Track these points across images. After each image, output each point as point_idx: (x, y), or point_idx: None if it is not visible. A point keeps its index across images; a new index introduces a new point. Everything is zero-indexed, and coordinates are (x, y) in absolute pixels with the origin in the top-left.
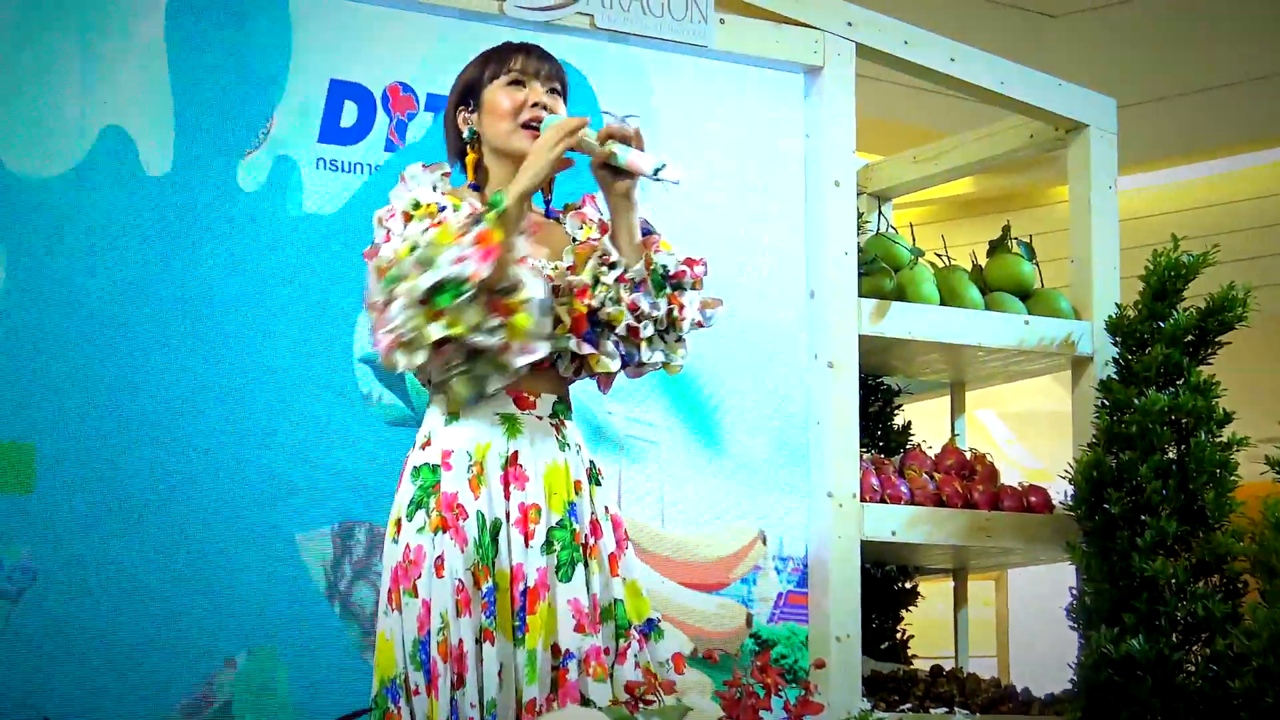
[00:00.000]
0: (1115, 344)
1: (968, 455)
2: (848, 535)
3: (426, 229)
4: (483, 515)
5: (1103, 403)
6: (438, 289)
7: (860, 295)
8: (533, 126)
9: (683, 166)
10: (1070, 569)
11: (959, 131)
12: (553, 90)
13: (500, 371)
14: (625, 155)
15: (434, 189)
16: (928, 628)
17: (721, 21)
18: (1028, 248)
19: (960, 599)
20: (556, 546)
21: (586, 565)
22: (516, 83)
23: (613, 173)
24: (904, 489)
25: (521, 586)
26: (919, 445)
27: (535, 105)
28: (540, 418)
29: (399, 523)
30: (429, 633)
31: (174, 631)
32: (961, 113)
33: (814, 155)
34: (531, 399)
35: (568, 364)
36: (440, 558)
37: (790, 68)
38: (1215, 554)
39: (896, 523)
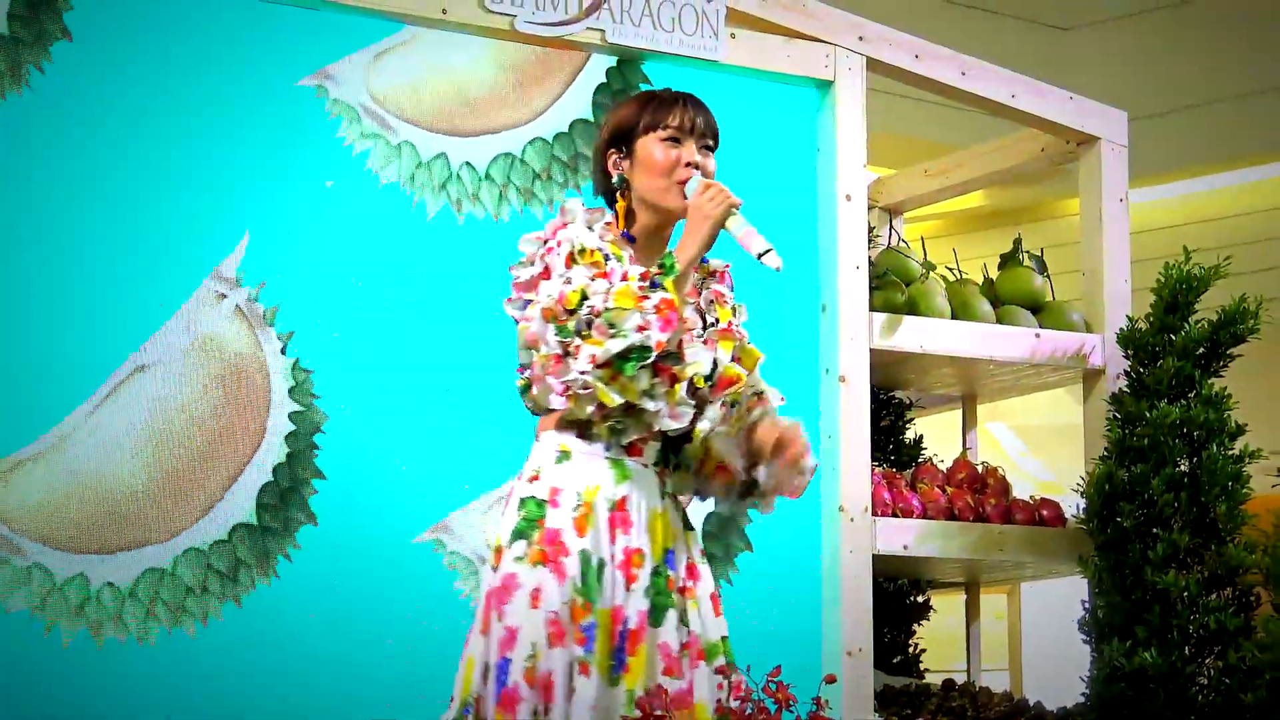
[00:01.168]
0: (1127, 357)
1: (979, 469)
2: (860, 549)
3: (594, 278)
4: (586, 554)
5: (1114, 415)
6: (623, 355)
7: (872, 309)
8: (683, 184)
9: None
10: (1083, 582)
11: (970, 145)
12: (705, 147)
13: (642, 429)
14: (740, 228)
15: (591, 231)
16: (940, 641)
17: (732, 36)
18: (1039, 261)
19: (972, 612)
20: (652, 592)
21: (682, 610)
22: (673, 139)
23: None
24: (916, 502)
25: (622, 628)
26: (931, 459)
27: (688, 165)
28: (646, 465)
29: (499, 550)
30: (508, 659)
31: None
32: (973, 126)
33: (825, 169)
34: (641, 447)
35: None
36: (537, 589)
37: (801, 82)
38: (1228, 567)
39: (908, 536)
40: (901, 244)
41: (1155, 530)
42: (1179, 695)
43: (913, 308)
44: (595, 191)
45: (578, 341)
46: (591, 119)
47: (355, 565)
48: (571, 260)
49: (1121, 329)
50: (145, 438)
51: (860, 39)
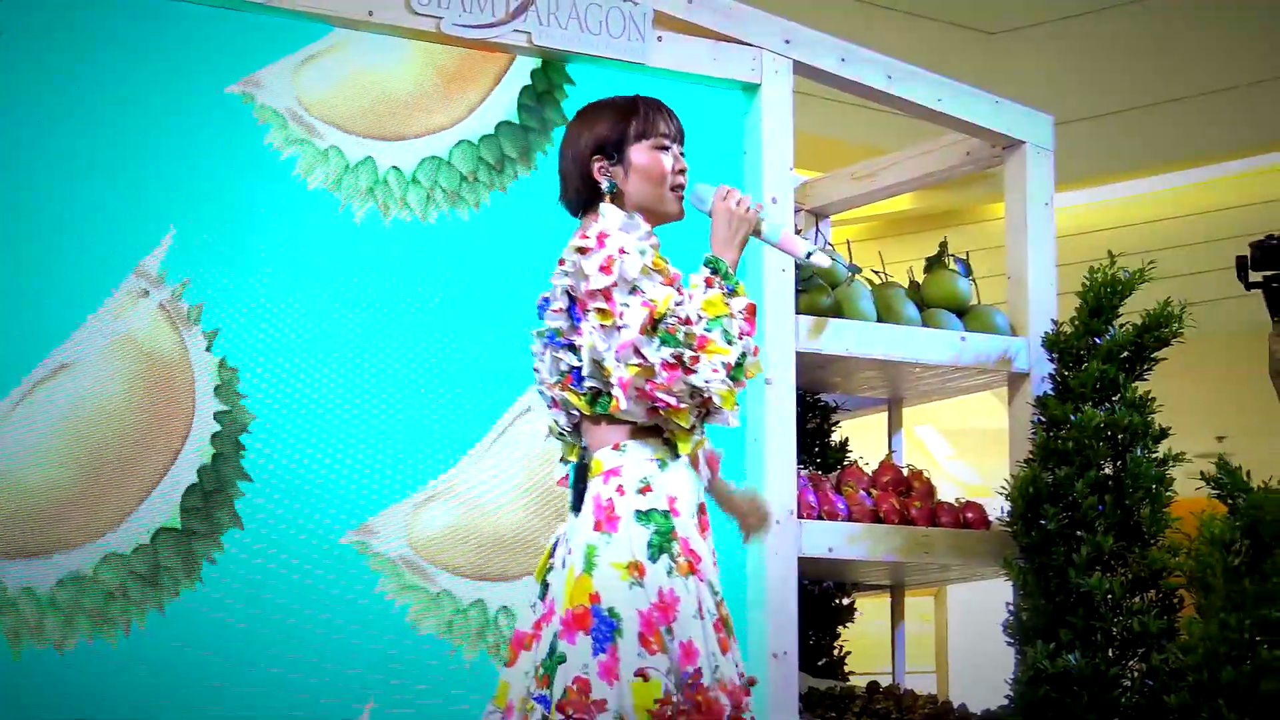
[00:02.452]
0: (1052, 360)
1: (905, 471)
2: (785, 552)
3: (662, 286)
4: (710, 558)
5: (1039, 419)
6: (739, 362)
7: (797, 312)
8: (679, 190)
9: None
10: (1008, 585)
11: (897, 149)
12: (682, 154)
13: (700, 434)
14: (778, 232)
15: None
16: (865, 644)
17: (659, 39)
18: (964, 264)
19: (897, 615)
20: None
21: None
22: (664, 147)
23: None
24: (841, 506)
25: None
26: (856, 462)
27: (680, 171)
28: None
29: (637, 566)
30: (691, 670)
31: None
32: (900, 130)
33: (752, 172)
34: (697, 456)
35: None
36: (699, 600)
37: (728, 85)
38: (1151, 569)
39: (833, 539)
40: (828, 247)
41: (1079, 533)
42: (1103, 698)
43: (838, 311)
44: (566, 196)
45: (691, 352)
46: (517, 121)
47: (280, 568)
48: (645, 269)
49: (1046, 333)
50: (65, 438)
51: (787, 42)
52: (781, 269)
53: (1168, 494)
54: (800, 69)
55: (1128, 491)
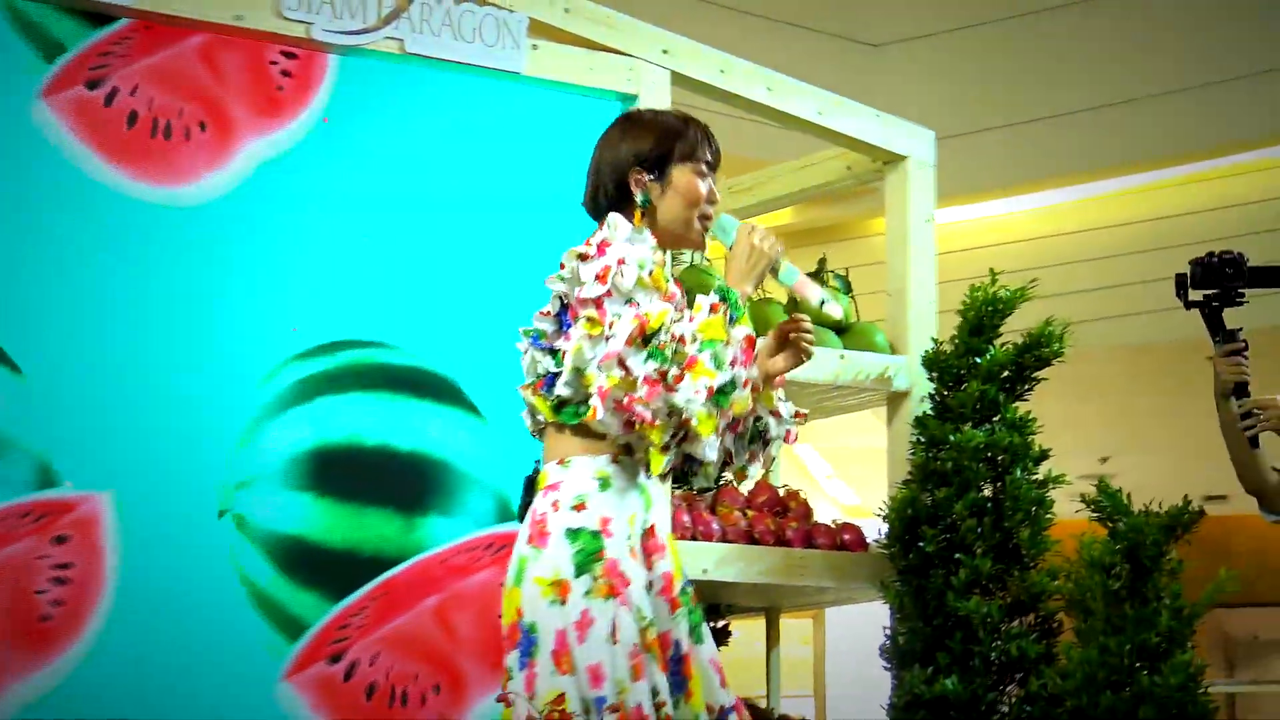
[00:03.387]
0: (931, 379)
1: (781, 492)
2: None
3: (661, 301)
4: (644, 583)
5: (918, 439)
6: (724, 389)
7: None
8: (706, 219)
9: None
10: (887, 608)
11: (777, 162)
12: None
13: (677, 458)
14: (794, 277)
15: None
16: (742, 666)
17: (534, 47)
18: (844, 281)
19: (773, 638)
20: (686, 611)
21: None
22: (703, 174)
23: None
24: (716, 526)
25: (674, 652)
26: (731, 481)
27: (713, 202)
28: (656, 481)
29: (562, 584)
30: (602, 697)
31: None
32: (780, 143)
33: None
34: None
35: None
36: (614, 624)
37: (604, 95)
38: (1030, 593)
39: (708, 560)
40: (705, 261)
41: (958, 556)
42: None
43: None
44: (591, 200)
45: (676, 370)
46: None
47: None
48: (641, 283)
49: (926, 351)
50: None
51: (665, 53)
52: None
53: (1048, 516)
54: (678, 80)
55: (1007, 514)
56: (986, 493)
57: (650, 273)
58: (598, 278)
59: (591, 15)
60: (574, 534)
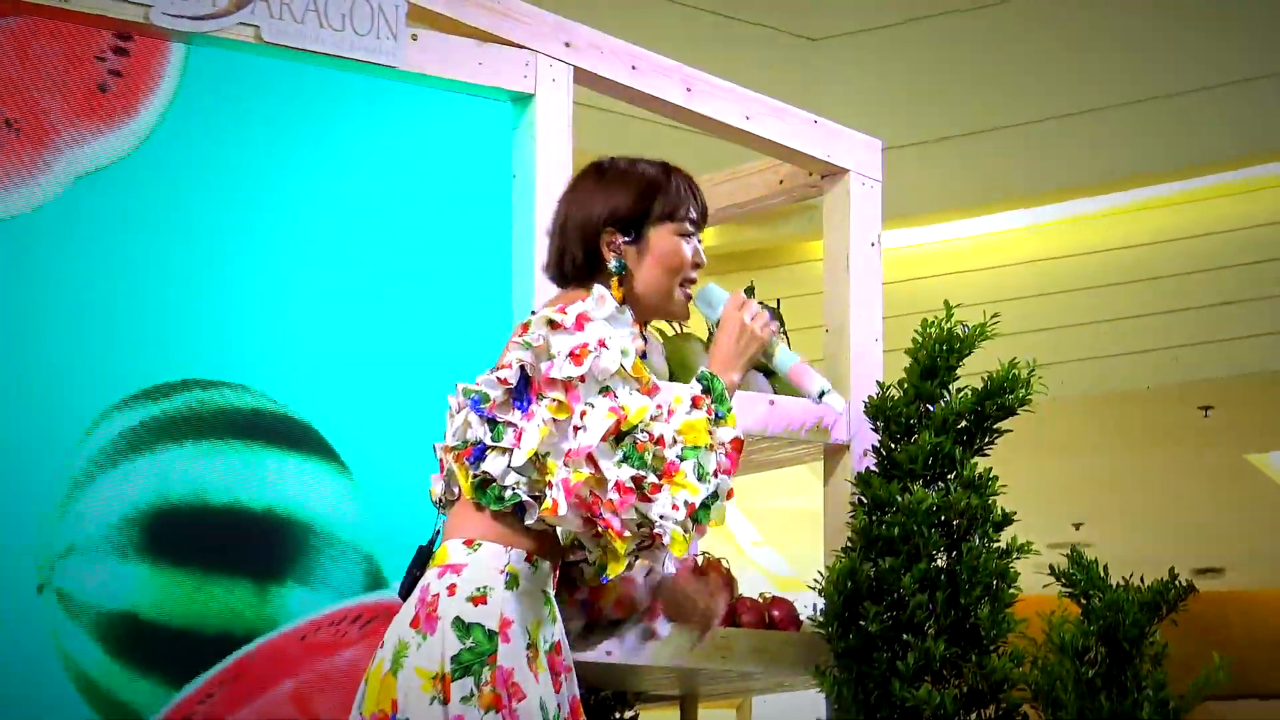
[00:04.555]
0: (876, 430)
1: (699, 560)
2: None
3: (640, 394)
4: (544, 705)
5: (860, 499)
6: (705, 504)
7: None
8: (688, 286)
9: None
10: (822, 697)
11: (697, 174)
12: (699, 245)
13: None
14: (791, 362)
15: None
16: None
17: (414, 38)
18: (774, 313)
19: None
20: None
21: None
22: (687, 234)
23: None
24: None
25: None
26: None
27: (697, 266)
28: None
29: (444, 679)
30: None
31: None
32: (701, 153)
33: (522, 199)
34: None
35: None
36: None
37: (495, 94)
38: (990, 681)
39: (612, 641)
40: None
41: (906, 636)
42: None
43: None
44: (555, 265)
45: (654, 479)
46: None
47: None
48: (622, 373)
49: (870, 397)
50: None
51: (567, 45)
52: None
53: (1011, 591)
54: (582, 77)
55: (964, 588)
56: (940, 563)
57: (632, 362)
58: (573, 356)
59: (481, 1)
60: (466, 629)
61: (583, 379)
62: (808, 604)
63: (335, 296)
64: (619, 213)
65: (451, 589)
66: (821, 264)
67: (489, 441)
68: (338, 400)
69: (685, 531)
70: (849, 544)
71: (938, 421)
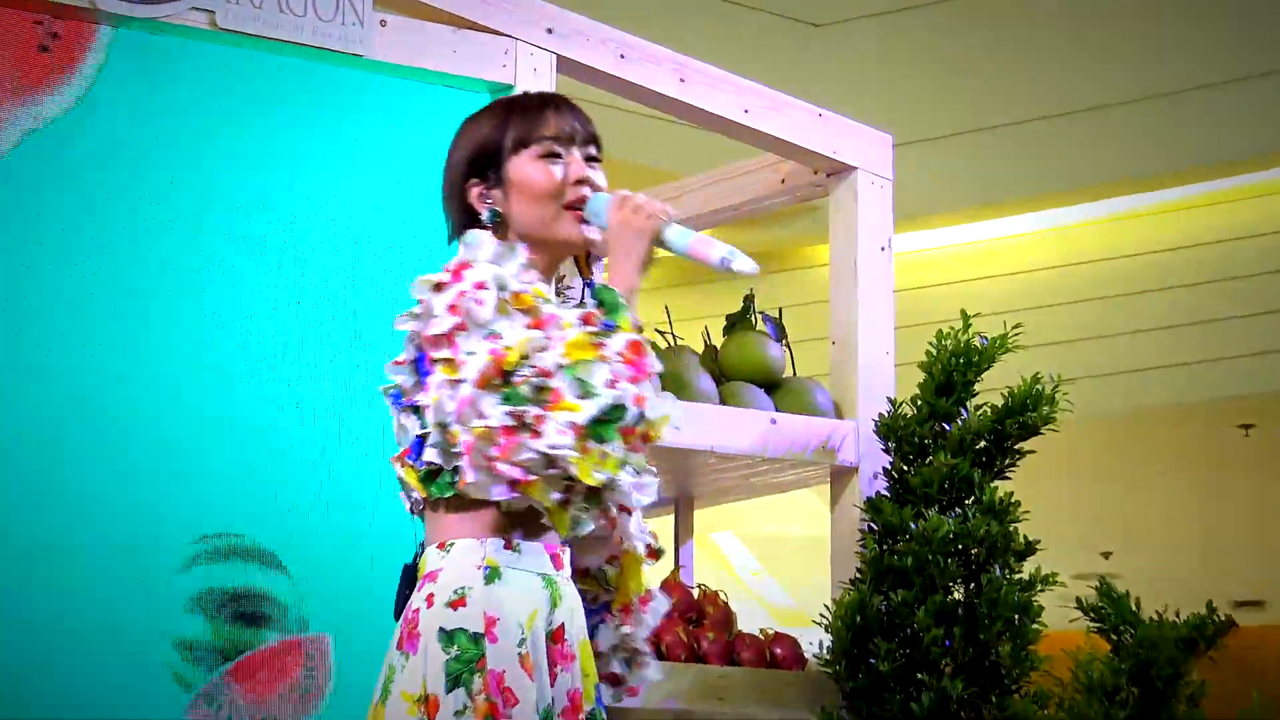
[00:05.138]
0: (887, 451)
1: (696, 593)
2: None
3: (529, 328)
4: (540, 706)
5: (870, 526)
6: (601, 420)
7: None
8: (578, 208)
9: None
10: None
11: (691, 172)
12: (591, 158)
13: (596, 515)
14: (686, 239)
15: (500, 267)
16: None
17: (383, 24)
18: (776, 325)
19: None
20: None
21: None
22: (552, 154)
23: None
24: None
25: None
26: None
27: (580, 182)
28: (570, 579)
29: (429, 701)
30: None
31: None
32: (695, 149)
33: None
34: (562, 556)
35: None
36: None
37: (472, 85)
38: None
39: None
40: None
41: (921, 676)
42: None
43: None
44: (453, 236)
45: (536, 410)
46: None
47: None
48: (500, 308)
49: (881, 415)
50: None
51: (549, 32)
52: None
53: (1034, 627)
54: (567, 67)
55: (983, 623)
56: (957, 596)
57: (514, 294)
58: (450, 308)
59: None
60: (449, 636)
61: (462, 328)
62: (813, 640)
63: (289, 302)
64: (474, 160)
65: (430, 599)
66: (827, 270)
67: (419, 430)
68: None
69: (585, 455)
70: (858, 575)
71: (954, 442)
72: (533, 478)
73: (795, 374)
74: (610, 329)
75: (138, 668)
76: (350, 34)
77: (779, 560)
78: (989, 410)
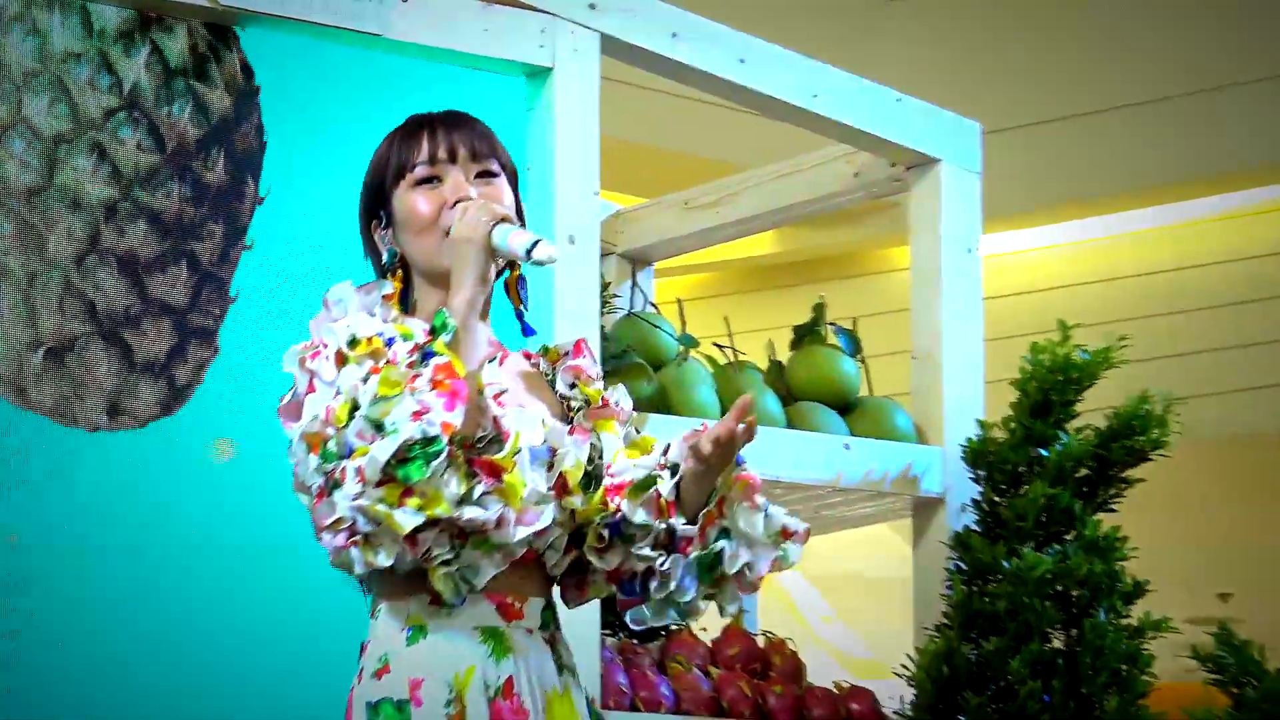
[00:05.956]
0: (976, 479)
1: (761, 641)
2: None
3: (368, 375)
4: None
5: (957, 565)
6: (402, 459)
7: None
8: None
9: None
10: None
11: (753, 166)
12: (484, 174)
13: (493, 556)
14: (504, 238)
15: (373, 315)
16: None
17: (405, 0)
18: (850, 337)
19: None
20: None
21: None
22: (429, 179)
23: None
24: (665, 691)
25: None
26: (688, 626)
27: (458, 203)
28: (530, 630)
29: None
30: None
31: None
32: (758, 139)
33: (539, 195)
34: (517, 605)
35: (559, 558)
36: None
37: (505, 68)
38: None
39: None
40: (650, 308)
41: None
42: None
43: (663, 402)
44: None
45: (342, 464)
46: None
47: None
48: (342, 359)
49: (970, 439)
50: None
51: (592, 7)
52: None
53: (1144, 678)
54: (613, 47)
55: (1086, 674)
56: (1056, 643)
57: (353, 340)
58: (303, 371)
59: None
60: (375, 710)
61: (311, 388)
62: (893, 694)
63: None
64: (368, 198)
65: (360, 675)
66: (907, 275)
67: None
68: None
69: (390, 500)
70: (944, 620)
71: (1052, 469)
72: (357, 538)
73: (872, 393)
74: (429, 355)
75: None
76: (368, 11)
77: (853, 604)
78: (1091, 433)
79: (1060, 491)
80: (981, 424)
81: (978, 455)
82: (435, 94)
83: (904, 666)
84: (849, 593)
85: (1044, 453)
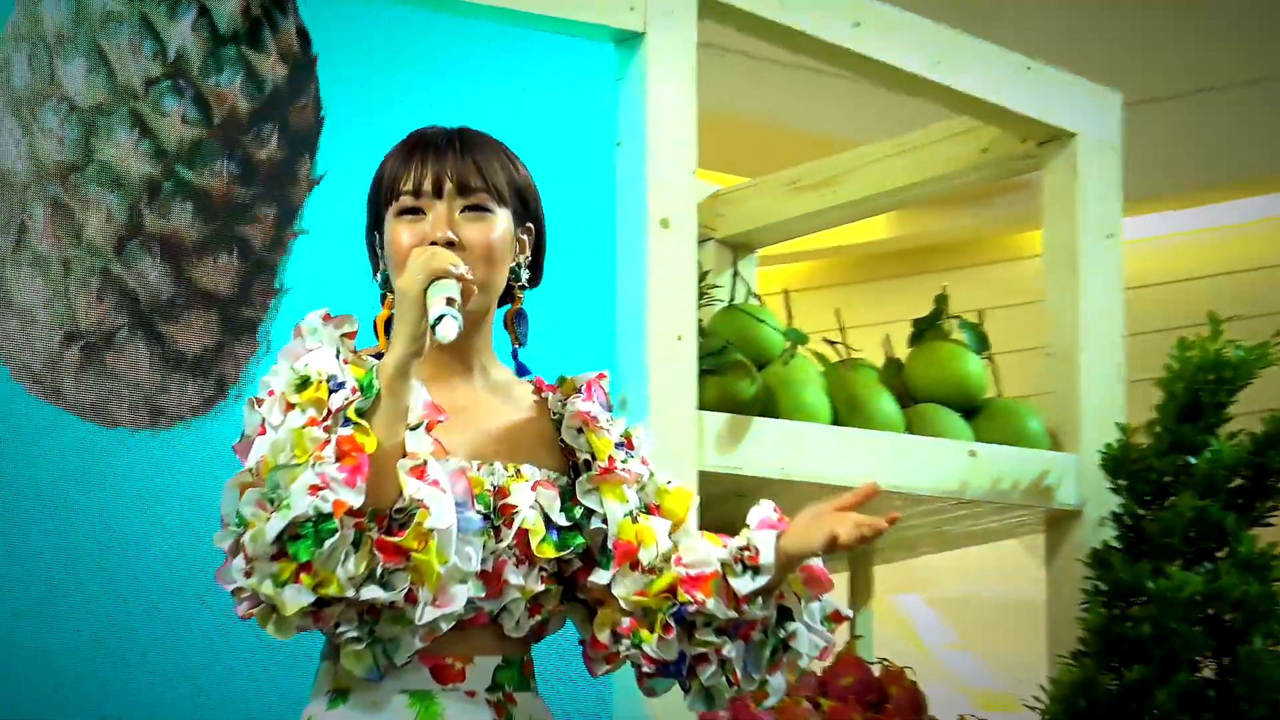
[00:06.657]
0: (1117, 490)
1: (877, 670)
2: None
3: (308, 426)
4: None
5: (1096, 586)
6: (294, 536)
7: (702, 406)
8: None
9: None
10: None
11: (869, 141)
12: (473, 208)
13: (414, 631)
14: (434, 295)
15: (337, 354)
16: None
17: None
18: (975, 331)
19: None
20: None
21: None
22: (407, 211)
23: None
24: None
25: None
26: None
27: (435, 244)
28: (473, 693)
29: None
30: None
31: None
32: (871, 111)
33: (630, 174)
34: (458, 666)
35: (520, 619)
36: None
37: (593, 33)
38: None
39: None
40: (753, 300)
41: None
42: None
43: (768, 404)
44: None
45: (240, 533)
46: None
47: None
48: (290, 404)
49: (1109, 445)
50: None
51: None
52: (677, 335)
53: None
54: (711, 9)
55: (1241, 706)
56: (1207, 673)
57: (301, 382)
58: (251, 408)
59: None
60: None
61: (262, 430)
62: None
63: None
64: (369, 216)
65: None
66: (1038, 263)
67: None
68: None
69: (271, 578)
70: (1081, 647)
71: (1202, 479)
72: (257, 610)
73: (1000, 394)
74: (346, 423)
75: None
76: None
77: (980, 630)
78: (1246, 439)
79: (1211, 504)
80: (1122, 428)
81: (1118, 463)
82: (510, 63)
83: (1036, 699)
84: (974, 617)
85: (1192, 460)
